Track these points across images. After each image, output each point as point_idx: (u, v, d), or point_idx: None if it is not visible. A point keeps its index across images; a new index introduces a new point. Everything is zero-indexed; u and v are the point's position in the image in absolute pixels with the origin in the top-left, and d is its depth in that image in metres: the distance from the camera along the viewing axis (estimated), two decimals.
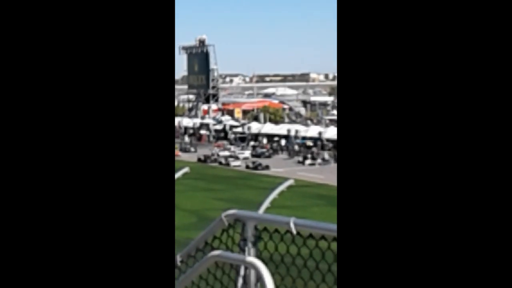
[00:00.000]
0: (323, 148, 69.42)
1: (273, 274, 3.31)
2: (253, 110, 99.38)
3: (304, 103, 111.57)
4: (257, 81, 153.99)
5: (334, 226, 3.83)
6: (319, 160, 64.37)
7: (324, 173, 57.15)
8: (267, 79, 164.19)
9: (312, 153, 66.66)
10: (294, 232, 3.75)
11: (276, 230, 3.96)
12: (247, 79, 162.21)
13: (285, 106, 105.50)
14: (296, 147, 70.72)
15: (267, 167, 61.23)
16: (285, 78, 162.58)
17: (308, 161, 64.36)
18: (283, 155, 70.57)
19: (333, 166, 62.92)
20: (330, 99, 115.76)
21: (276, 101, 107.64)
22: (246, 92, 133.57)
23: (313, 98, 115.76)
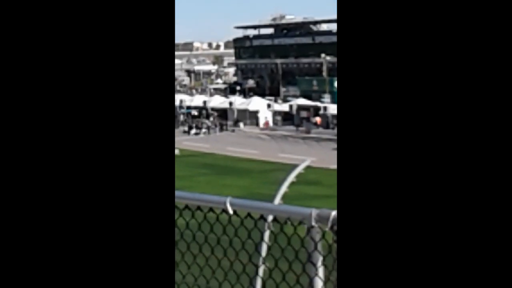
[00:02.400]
0: (207, 117, 69.51)
1: None
2: None
3: (188, 72, 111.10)
4: None
5: (209, 197, 3.85)
6: (204, 130, 64.46)
7: (210, 142, 57.32)
8: None
9: (197, 122, 66.63)
10: None
11: None
12: None
13: None
14: (182, 117, 70.45)
15: None
16: None
17: (193, 131, 64.32)
18: None
19: (218, 135, 63.21)
20: (214, 68, 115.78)
21: None
22: None
23: (197, 67, 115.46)
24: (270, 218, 3.78)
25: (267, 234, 3.83)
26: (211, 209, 3.62)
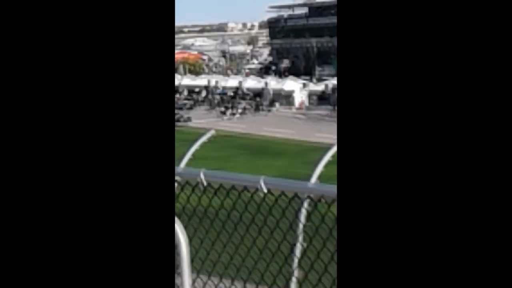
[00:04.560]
0: (243, 98, 69.46)
1: (186, 226, 3.32)
2: None
3: (223, 53, 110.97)
4: (175, 33, 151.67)
5: (243, 176, 3.87)
6: (239, 110, 64.44)
7: (245, 123, 57.32)
8: (185, 30, 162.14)
9: (233, 103, 66.62)
10: (205, 183, 3.77)
11: (187, 183, 3.98)
12: None
13: (204, 57, 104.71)
14: (217, 98, 70.53)
15: (188, 119, 60.97)
16: (203, 29, 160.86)
17: (229, 112, 64.36)
18: (204, 107, 70.33)
19: (254, 116, 63.12)
20: (248, 48, 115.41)
21: (195, 53, 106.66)
22: None
23: (231, 48, 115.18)
24: (304, 197, 3.79)
25: (301, 213, 3.84)
26: (245, 188, 3.66)
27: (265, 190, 3.56)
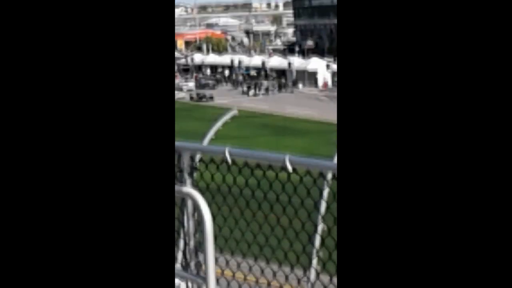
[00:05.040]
0: (266, 77, 69.37)
1: (209, 204, 3.31)
2: (195, 41, 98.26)
3: (247, 32, 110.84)
4: (199, 12, 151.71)
5: (268, 155, 3.84)
6: (262, 90, 64.39)
7: (268, 103, 57.26)
8: (209, 9, 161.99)
9: (256, 83, 66.56)
10: (229, 161, 3.75)
11: (212, 160, 3.96)
12: (189, 9, 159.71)
13: (228, 36, 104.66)
14: (240, 77, 70.49)
15: (211, 98, 61.04)
16: (227, 8, 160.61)
17: (252, 91, 64.33)
18: (227, 86, 70.34)
19: (277, 95, 63.03)
20: (273, 28, 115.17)
21: (218, 31, 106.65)
22: (188, 23, 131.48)
23: (255, 28, 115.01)
24: (329, 176, 3.76)
25: (326, 192, 3.81)
26: (270, 167, 3.63)
27: (290, 169, 3.53)
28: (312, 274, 3.99)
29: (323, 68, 67.41)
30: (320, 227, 3.90)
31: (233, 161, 3.80)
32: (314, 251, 3.96)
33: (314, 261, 3.99)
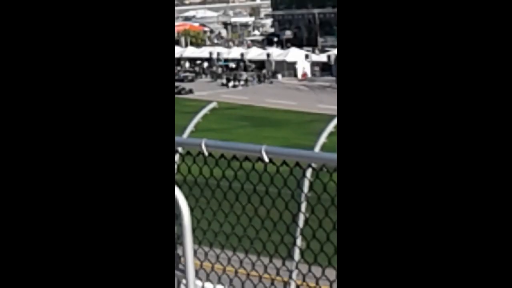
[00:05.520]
0: (245, 69, 69.30)
1: (187, 197, 3.31)
2: None
3: (225, 24, 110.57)
4: (176, 5, 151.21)
5: (244, 146, 3.85)
6: (242, 82, 64.32)
7: (248, 94, 57.26)
8: (186, 2, 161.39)
9: (235, 75, 66.47)
10: (206, 153, 3.75)
11: (189, 153, 3.96)
12: None
13: (206, 29, 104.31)
14: (219, 70, 70.36)
15: (190, 91, 60.88)
16: (204, 0, 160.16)
17: (231, 83, 64.24)
18: (206, 78, 70.19)
19: (256, 87, 63.04)
20: (251, 19, 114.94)
21: (196, 24, 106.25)
22: None
23: (233, 19, 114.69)
24: (306, 166, 3.77)
25: (303, 182, 3.83)
26: (246, 158, 3.63)
27: (267, 159, 3.53)
28: (292, 264, 4.01)
29: (302, 59, 67.43)
30: (298, 217, 3.91)
31: (210, 153, 3.80)
32: (294, 241, 3.98)
33: (294, 251, 4.00)
